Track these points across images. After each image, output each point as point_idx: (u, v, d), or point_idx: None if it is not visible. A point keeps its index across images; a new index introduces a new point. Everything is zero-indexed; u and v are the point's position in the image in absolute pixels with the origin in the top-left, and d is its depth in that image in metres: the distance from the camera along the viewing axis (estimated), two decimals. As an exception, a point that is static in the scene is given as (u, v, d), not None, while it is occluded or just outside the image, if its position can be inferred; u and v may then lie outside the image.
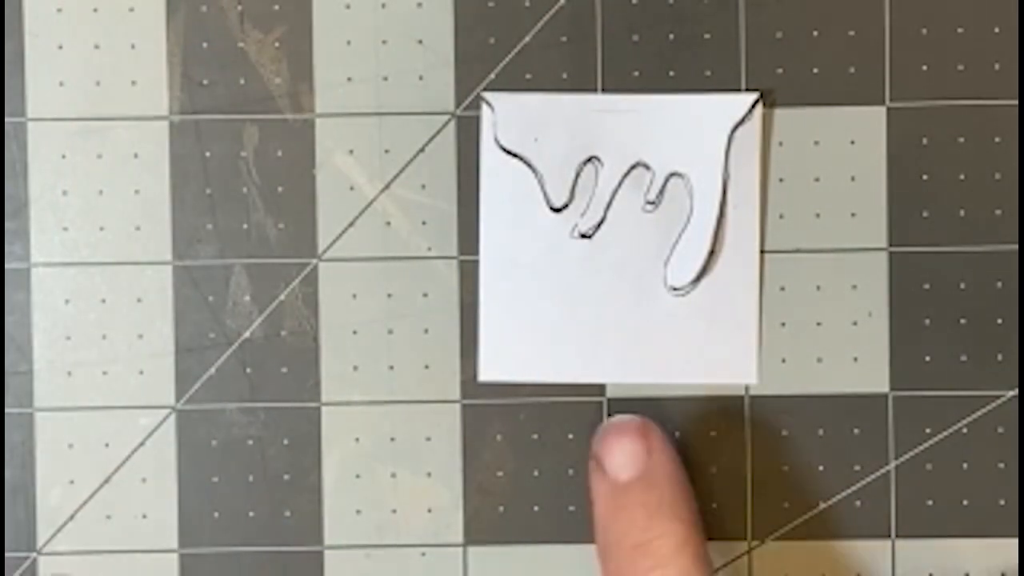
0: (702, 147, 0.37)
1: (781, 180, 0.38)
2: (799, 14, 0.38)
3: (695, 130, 0.37)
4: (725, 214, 0.37)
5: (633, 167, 0.37)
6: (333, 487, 0.38)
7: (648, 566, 0.34)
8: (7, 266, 0.38)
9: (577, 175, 0.37)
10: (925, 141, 0.38)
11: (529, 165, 0.37)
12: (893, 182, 0.38)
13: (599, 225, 0.38)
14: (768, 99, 0.38)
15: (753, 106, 0.37)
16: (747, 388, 0.38)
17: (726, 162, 0.37)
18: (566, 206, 0.38)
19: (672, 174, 0.37)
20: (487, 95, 0.38)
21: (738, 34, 0.38)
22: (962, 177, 0.38)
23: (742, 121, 0.37)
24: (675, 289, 0.37)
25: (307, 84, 0.38)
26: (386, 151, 0.38)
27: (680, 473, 0.36)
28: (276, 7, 0.38)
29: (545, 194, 0.38)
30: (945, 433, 0.38)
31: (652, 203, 0.37)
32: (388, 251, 0.38)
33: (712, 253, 0.37)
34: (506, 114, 0.38)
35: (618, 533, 0.35)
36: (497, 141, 0.38)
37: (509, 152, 0.38)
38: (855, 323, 0.38)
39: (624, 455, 0.35)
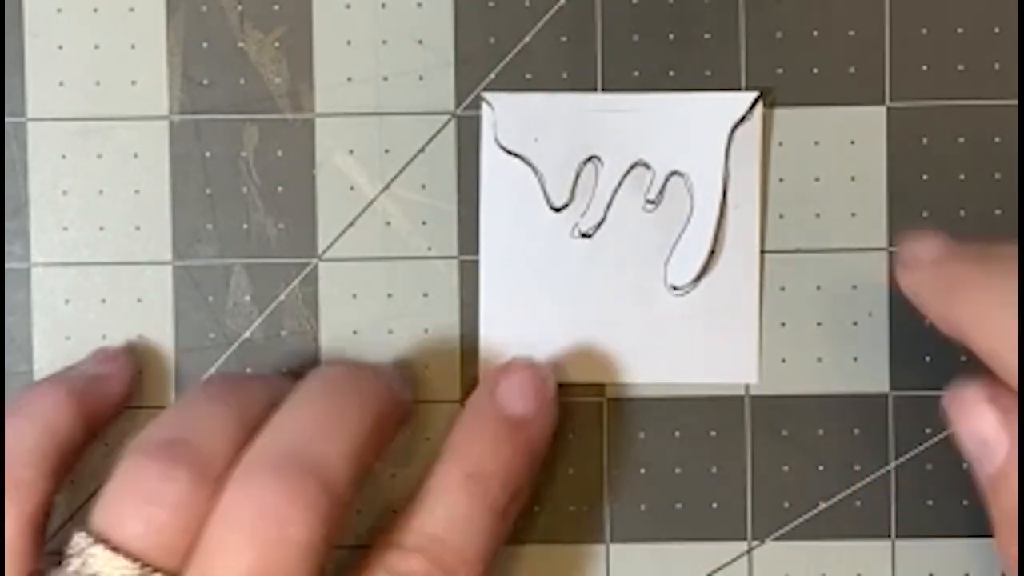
0: (702, 146, 0.37)
1: (781, 180, 0.38)
2: (799, 14, 0.38)
3: (695, 129, 0.37)
4: (725, 214, 0.37)
5: (633, 166, 0.37)
6: (333, 487, 0.38)
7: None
8: (7, 266, 0.38)
9: (577, 175, 0.37)
10: (925, 141, 0.38)
11: (529, 165, 0.37)
12: (893, 182, 0.38)
13: (599, 224, 0.37)
14: (768, 99, 0.38)
15: (753, 105, 0.37)
16: (747, 388, 0.38)
17: (726, 161, 0.37)
18: (566, 206, 0.38)
19: (672, 173, 0.37)
20: (487, 95, 0.38)
21: (738, 34, 0.38)
22: (962, 177, 0.38)
23: (742, 120, 0.37)
24: (675, 289, 0.37)
25: (307, 84, 0.38)
26: (386, 151, 0.38)
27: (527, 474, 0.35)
28: (276, 7, 0.38)
29: (545, 194, 0.38)
30: (945, 433, 0.38)
31: (652, 202, 0.37)
32: (388, 251, 0.38)
33: (712, 253, 0.37)
34: (506, 114, 0.38)
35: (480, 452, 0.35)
36: (497, 141, 0.38)
37: (509, 152, 0.38)
38: (855, 323, 0.38)
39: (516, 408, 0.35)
